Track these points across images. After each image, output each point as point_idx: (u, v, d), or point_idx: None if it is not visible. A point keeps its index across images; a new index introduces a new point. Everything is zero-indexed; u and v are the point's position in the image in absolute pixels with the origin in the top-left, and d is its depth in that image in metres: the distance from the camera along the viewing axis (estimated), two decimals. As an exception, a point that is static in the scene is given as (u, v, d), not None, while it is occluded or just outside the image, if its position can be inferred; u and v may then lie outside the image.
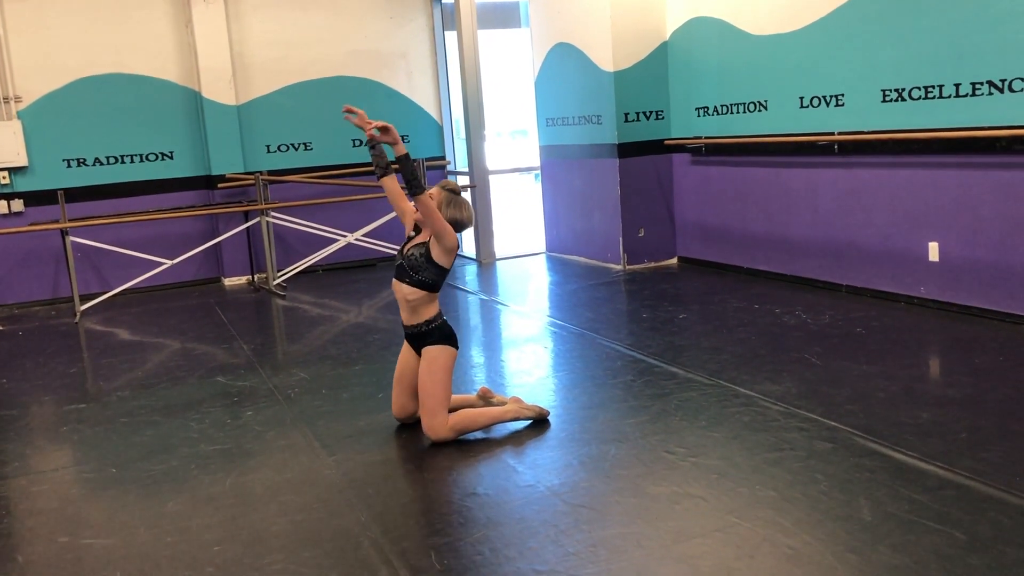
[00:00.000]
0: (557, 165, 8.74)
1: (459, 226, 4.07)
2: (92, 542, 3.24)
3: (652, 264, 8.03)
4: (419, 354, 4.08)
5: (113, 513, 3.51)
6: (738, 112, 7.13)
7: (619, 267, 7.96)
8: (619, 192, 7.84)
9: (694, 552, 2.86)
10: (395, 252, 8.79)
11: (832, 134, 6.28)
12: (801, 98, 6.53)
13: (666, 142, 7.87)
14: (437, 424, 3.92)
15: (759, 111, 6.93)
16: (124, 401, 4.99)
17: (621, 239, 7.92)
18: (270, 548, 3.09)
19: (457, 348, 4.09)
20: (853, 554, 2.76)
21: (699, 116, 7.57)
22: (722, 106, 7.29)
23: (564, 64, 8.29)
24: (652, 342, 5.41)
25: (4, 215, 8.03)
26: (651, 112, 7.84)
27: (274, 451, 4.05)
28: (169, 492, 3.64)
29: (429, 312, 4.05)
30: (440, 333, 4.04)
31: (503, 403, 4.21)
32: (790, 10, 6.51)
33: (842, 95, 6.19)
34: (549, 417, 4.18)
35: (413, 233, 4.13)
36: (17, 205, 8.07)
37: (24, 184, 8.09)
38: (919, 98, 5.63)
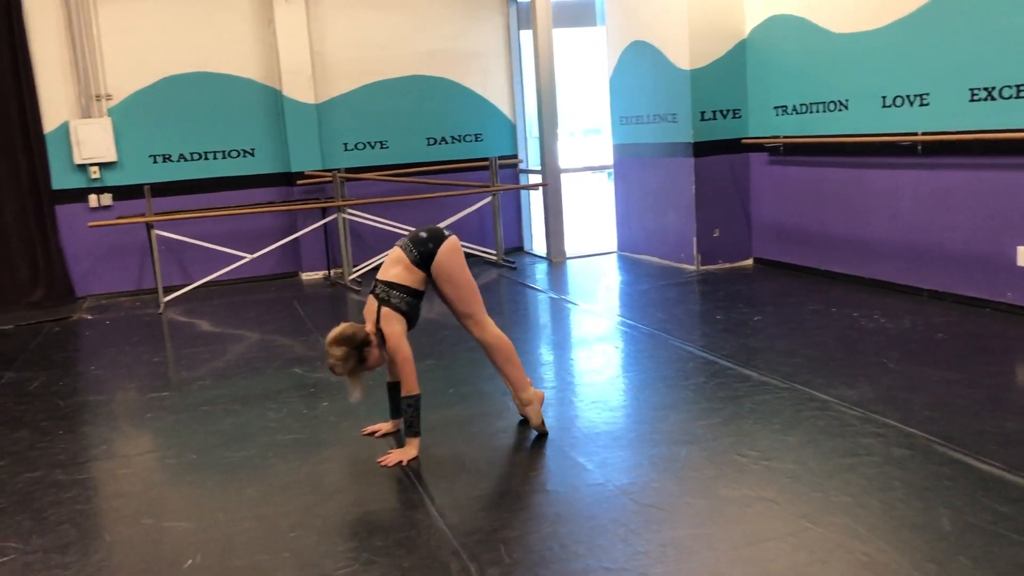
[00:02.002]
0: (630, 164, 8.69)
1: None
2: (173, 524, 3.36)
3: (726, 265, 7.93)
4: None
5: (193, 498, 3.63)
6: (818, 111, 6.99)
7: (692, 267, 7.89)
8: (694, 191, 7.76)
9: (765, 556, 2.82)
10: (467, 248, 8.88)
11: (915, 134, 6.11)
12: (883, 97, 6.37)
13: (743, 141, 7.77)
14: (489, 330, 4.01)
15: (839, 110, 6.78)
16: (205, 390, 5.14)
17: (695, 239, 7.84)
18: (343, 536, 3.16)
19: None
20: (932, 563, 2.69)
21: (777, 115, 7.44)
22: (801, 105, 7.16)
23: (639, 62, 8.24)
24: (725, 344, 5.35)
25: (94, 209, 8.34)
26: (728, 111, 7.74)
27: (348, 442, 4.13)
28: (247, 479, 3.75)
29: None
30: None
31: (532, 400, 4.10)
32: (873, 7, 6.35)
33: (927, 94, 6.02)
34: (545, 435, 4.04)
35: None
36: (106, 199, 8.37)
37: (113, 179, 8.40)
38: (1010, 97, 5.44)
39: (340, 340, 3.77)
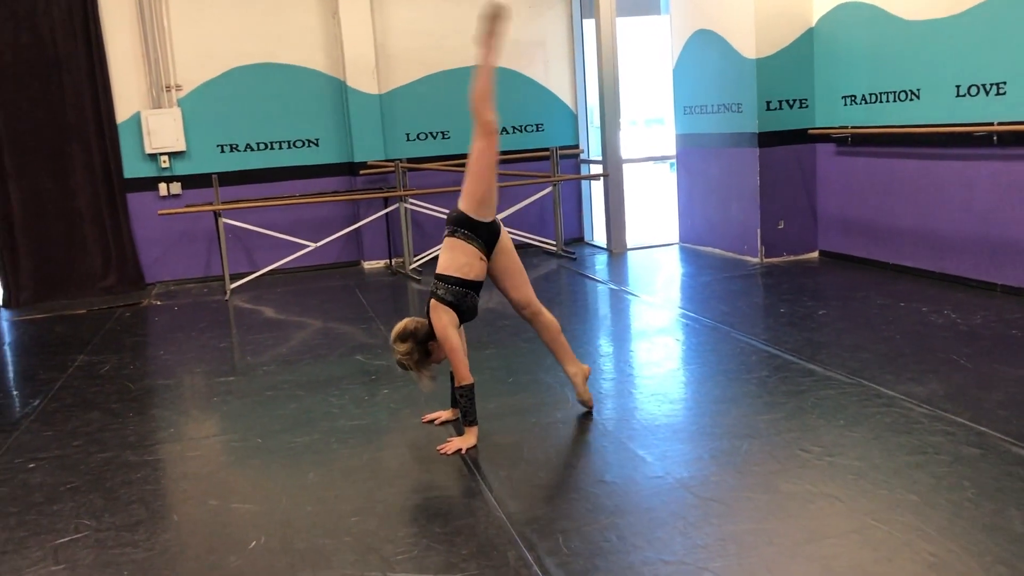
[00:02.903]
0: (694, 154, 8.59)
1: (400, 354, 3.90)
2: (238, 506, 3.43)
3: (791, 257, 7.79)
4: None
5: (258, 481, 3.70)
6: (888, 101, 6.82)
7: (756, 260, 7.77)
8: (758, 182, 7.64)
9: (828, 552, 2.77)
10: (527, 239, 8.89)
11: (991, 124, 5.92)
12: (957, 86, 6.18)
13: (810, 131, 7.61)
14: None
15: (911, 100, 6.60)
16: (269, 375, 5.24)
17: (759, 231, 7.72)
18: (403, 522, 3.19)
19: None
20: (1003, 566, 2.61)
21: (845, 105, 7.28)
22: (871, 94, 6.99)
23: (704, 51, 8.13)
24: (789, 338, 5.26)
25: (164, 197, 8.55)
26: (794, 100, 7.59)
27: (408, 429, 4.17)
28: (310, 464, 3.81)
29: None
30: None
31: (576, 374, 4.17)
32: (949, -7, 6.17)
33: (1004, 83, 5.82)
34: (591, 411, 4.13)
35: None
36: (175, 188, 8.57)
37: (182, 168, 8.59)
38: (1092, 85, 5.24)
39: (403, 336, 3.85)
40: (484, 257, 3.92)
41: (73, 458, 4.03)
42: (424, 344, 3.86)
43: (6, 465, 3.99)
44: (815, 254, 7.86)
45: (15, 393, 5.39)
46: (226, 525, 3.29)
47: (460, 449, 3.78)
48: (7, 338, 7.02)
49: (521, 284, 4.08)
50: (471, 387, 3.82)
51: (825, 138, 7.55)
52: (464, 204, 3.95)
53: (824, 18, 7.41)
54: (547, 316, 4.19)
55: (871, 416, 3.90)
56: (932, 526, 2.88)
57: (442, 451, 3.79)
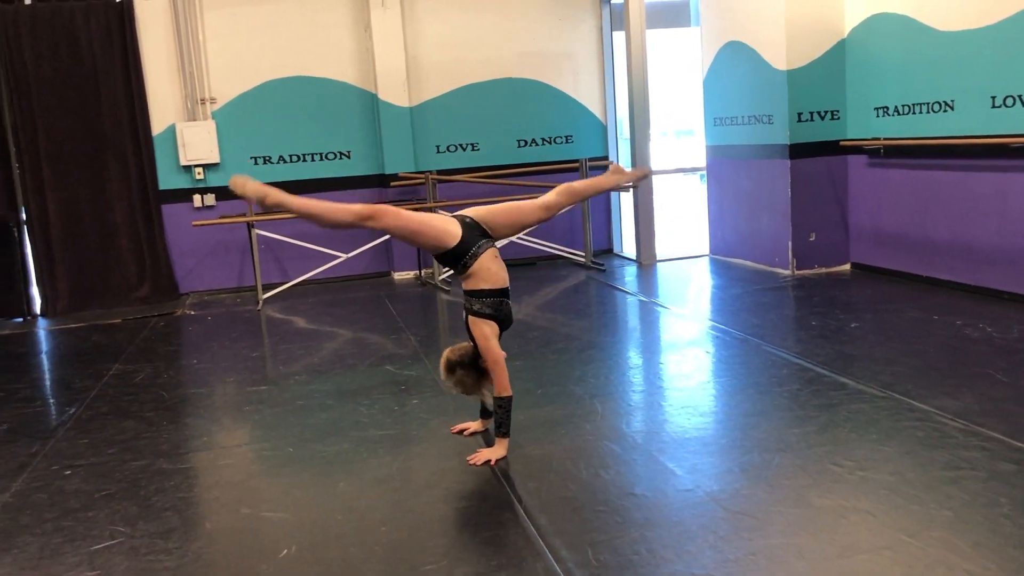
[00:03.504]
0: (724, 165, 8.56)
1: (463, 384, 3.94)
2: (270, 515, 3.47)
3: (823, 270, 7.73)
4: None
5: (289, 489, 3.74)
6: (921, 112, 6.76)
7: (787, 272, 7.72)
8: (789, 194, 7.59)
9: (860, 568, 2.75)
10: (556, 250, 8.90)
11: (1027, 135, 5.85)
12: (993, 98, 6.11)
13: (841, 143, 7.56)
14: (372, 211, 3.70)
15: (944, 111, 6.54)
16: (300, 385, 5.29)
17: (790, 243, 7.67)
18: (433, 532, 3.21)
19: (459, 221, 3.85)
20: (1039, 584, 2.58)
21: (878, 116, 7.22)
22: (903, 106, 6.93)
23: (734, 63, 8.11)
24: (821, 351, 5.22)
25: (198, 208, 8.66)
26: (826, 112, 7.55)
27: (438, 439, 4.19)
28: (340, 473, 3.84)
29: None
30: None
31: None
32: (982, 4, 6.11)
33: (1040, 93, 5.76)
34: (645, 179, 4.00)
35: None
36: (210, 199, 8.69)
37: (216, 180, 8.70)
38: None
39: (449, 367, 3.91)
40: (498, 255, 3.92)
41: (108, 465, 4.09)
42: (474, 365, 3.88)
43: (43, 472, 4.06)
44: (847, 266, 7.79)
45: (52, 401, 5.48)
46: (257, 533, 3.32)
47: (490, 460, 3.79)
48: (44, 347, 7.15)
49: (526, 207, 4.02)
50: (510, 399, 3.83)
51: (857, 150, 7.49)
52: (486, 223, 3.89)
53: (856, 29, 7.37)
54: (561, 188, 4.09)
55: (904, 430, 3.86)
56: (966, 542, 2.84)
57: (472, 461, 3.80)
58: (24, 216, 8.26)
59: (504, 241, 8.63)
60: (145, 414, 4.85)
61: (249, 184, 3.67)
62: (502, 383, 3.81)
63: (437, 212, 8.36)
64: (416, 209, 8.58)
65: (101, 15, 8.19)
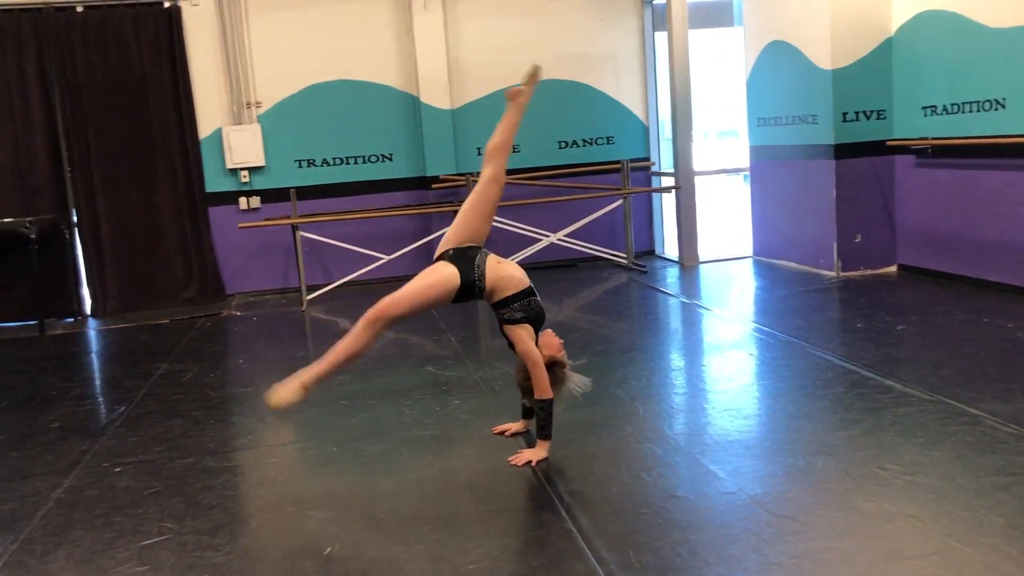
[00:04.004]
0: (768, 166, 8.48)
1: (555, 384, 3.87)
2: (314, 513, 3.51)
3: (869, 271, 7.62)
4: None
5: (333, 488, 3.78)
6: (971, 111, 6.63)
7: (832, 273, 7.62)
8: (834, 195, 7.50)
9: (907, 573, 2.71)
10: (597, 252, 8.88)
11: (1081, 134, 5.71)
12: (1045, 95, 5.98)
13: (888, 143, 7.45)
14: (376, 314, 3.75)
15: (995, 110, 6.41)
16: (343, 385, 5.33)
17: (835, 244, 7.57)
18: (474, 533, 3.22)
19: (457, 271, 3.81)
20: (1093, 593, 2.52)
21: (926, 115, 7.10)
22: (952, 105, 6.81)
23: (778, 62, 8.03)
24: (866, 353, 5.14)
25: (244, 211, 8.79)
26: (872, 111, 7.44)
27: (479, 440, 4.21)
28: (382, 472, 3.87)
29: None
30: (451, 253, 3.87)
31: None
32: (1035, -1, 5.98)
33: (1095, 91, 5.62)
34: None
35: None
36: (255, 202, 8.81)
37: (261, 183, 8.83)
38: None
39: (522, 385, 3.93)
40: (502, 258, 3.94)
41: (156, 463, 4.17)
42: (551, 368, 3.85)
43: (94, 468, 4.15)
44: (893, 268, 7.67)
45: (102, 400, 5.60)
46: (302, 531, 3.36)
47: (531, 461, 3.79)
48: (94, 346, 7.31)
49: (478, 194, 4.08)
50: (551, 401, 3.82)
51: (904, 150, 7.37)
52: (466, 238, 3.92)
53: (904, 27, 7.26)
54: (487, 153, 4.26)
55: (953, 435, 3.79)
56: (1019, 549, 2.79)
57: (513, 462, 3.81)
58: (75, 219, 8.44)
59: (546, 242, 8.61)
60: (192, 413, 4.94)
61: (282, 392, 3.73)
62: (544, 386, 3.80)
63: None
64: (457, 212, 8.65)
65: (150, 21, 8.35)
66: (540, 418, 3.85)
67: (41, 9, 8.11)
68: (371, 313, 3.76)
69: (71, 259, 8.39)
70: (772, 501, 3.29)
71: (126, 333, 7.50)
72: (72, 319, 8.27)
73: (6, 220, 7.85)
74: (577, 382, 3.91)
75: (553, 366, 3.87)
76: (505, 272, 3.88)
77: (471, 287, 3.79)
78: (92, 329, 7.88)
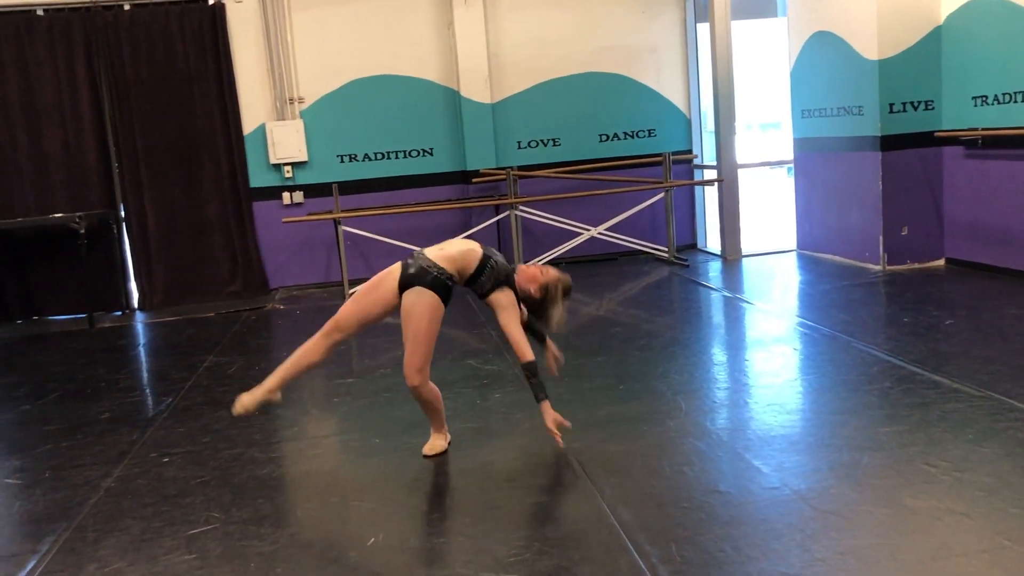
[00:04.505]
0: (812, 158, 8.37)
1: (547, 322, 3.91)
2: (358, 504, 3.55)
3: (916, 265, 7.49)
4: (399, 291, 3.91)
5: (376, 479, 3.81)
6: (1023, 101, 6.48)
7: (878, 267, 7.50)
8: (880, 187, 7.38)
9: (956, 571, 2.67)
10: (638, 246, 8.84)
11: None
12: (1101, 83, 5.83)
13: (936, 134, 7.31)
14: (414, 373, 3.84)
15: (1048, 99, 6.26)
16: (386, 378, 5.38)
17: (881, 237, 7.45)
18: (515, 525, 3.23)
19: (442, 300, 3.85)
20: None
21: (976, 106, 6.96)
22: (1004, 95, 6.66)
23: (823, 53, 7.92)
24: (913, 348, 5.06)
25: (287, 206, 8.88)
26: (919, 102, 7.30)
27: (520, 433, 4.22)
28: (425, 464, 3.90)
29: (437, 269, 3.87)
30: (428, 280, 3.85)
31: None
32: (1091, -15, 5.83)
33: None
34: (444, 449, 3.97)
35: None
36: (298, 196, 8.90)
37: (304, 177, 8.91)
38: None
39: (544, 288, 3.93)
40: (439, 247, 4.02)
41: (203, 454, 4.24)
42: (544, 290, 3.87)
43: (143, 459, 4.23)
44: (941, 262, 7.53)
45: (149, 391, 5.71)
46: (346, 521, 3.40)
47: (554, 432, 3.69)
48: (142, 339, 7.44)
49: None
50: (532, 363, 3.74)
51: (953, 141, 7.23)
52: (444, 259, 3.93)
53: (953, 15, 7.11)
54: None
55: (1003, 431, 3.72)
56: (1071, 548, 2.73)
57: (553, 435, 3.73)
58: (123, 214, 8.60)
59: (587, 235, 8.57)
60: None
61: (244, 399, 3.81)
62: (520, 351, 3.74)
63: (518, 208, 8.39)
64: (498, 206, 8.67)
65: (195, 19, 8.47)
66: (531, 385, 3.77)
67: (89, 8, 8.26)
68: (328, 326, 3.91)
69: (119, 254, 8.55)
70: (816, 497, 3.25)
71: (172, 326, 7.63)
72: (120, 312, 8.43)
73: (56, 215, 8.03)
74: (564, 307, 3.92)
75: (545, 290, 3.86)
76: (453, 250, 3.90)
77: (442, 286, 3.81)
78: (139, 322, 8.02)
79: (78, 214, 7.89)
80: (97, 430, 4.73)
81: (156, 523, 3.48)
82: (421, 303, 3.80)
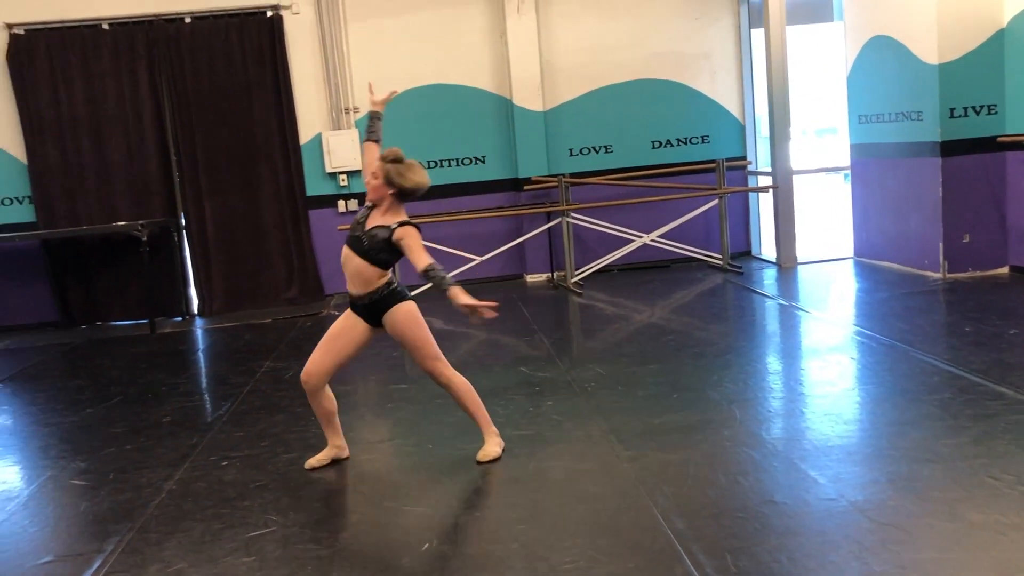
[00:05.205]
0: (869, 164, 8.24)
1: (416, 193, 4.00)
2: (411, 509, 3.58)
3: (978, 273, 7.32)
4: (373, 324, 4.02)
5: (429, 485, 3.85)
6: (1090, 104, 6.31)
7: (938, 275, 7.35)
8: (941, 193, 7.23)
9: (1021, 588, 2.60)
10: (691, 253, 8.78)
11: None
12: None
13: (999, 139, 7.14)
14: (439, 366, 4.02)
15: (1117, 102, 6.08)
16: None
17: (941, 245, 7.30)
18: (569, 533, 3.23)
19: (412, 299, 4.02)
20: None
21: (1040, 109, 6.79)
22: (1070, 98, 6.49)
23: (881, 58, 7.80)
24: (975, 358, 4.94)
25: (342, 213, 9.01)
26: (981, 107, 7.14)
27: (572, 441, 4.22)
28: (477, 470, 3.92)
29: (379, 282, 3.97)
30: (392, 298, 3.96)
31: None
32: None
33: None
34: (499, 455, 3.98)
35: (371, 204, 4.07)
36: (353, 204, 9.01)
37: (359, 186, 9.01)
38: None
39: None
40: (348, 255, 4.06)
41: (261, 457, 4.32)
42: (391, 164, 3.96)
43: (203, 462, 4.33)
44: (1004, 269, 7.35)
45: (208, 396, 5.83)
46: (400, 526, 3.44)
47: (469, 305, 3.73)
48: (201, 344, 7.60)
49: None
50: (430, 266, 3.84)
51: (1017, 145, 7.06)
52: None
53: (1017, 17, 6.95)
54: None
55: (1071, 444, 3.62)
56: None
57: (478, 314, 3.78)
58: (183, 222, 8.80)
59: (639, 242, 8.54)
60: (295, 409, 5.09)
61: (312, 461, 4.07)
62: (416, 259, 3.88)
63: (569, 215, 8.39)
64: (549, 213, 8.68)
65: (253, 30, 8.64)
66: (435, 282, 3.83)
67: (152, 21, 8.48)
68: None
69: (179, 261, 8.75)
70: (874, 508, 3.20)
71: (231, 332, 7.78)
72: (180, 318, 8.62)
73: (120, 223, 8.25)
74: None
75: (388, 178, 3.97)
76: (353, 261, 4.00)
77: (396, 294, 3.98)
78: (199, 328, 8.20)
79: (140, 222, 8.09)
80: (159, 433, 4.85)
81: (216, 525, 3.55)
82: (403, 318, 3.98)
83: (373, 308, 3.98)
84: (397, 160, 4.00)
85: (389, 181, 3.98)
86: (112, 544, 3.45)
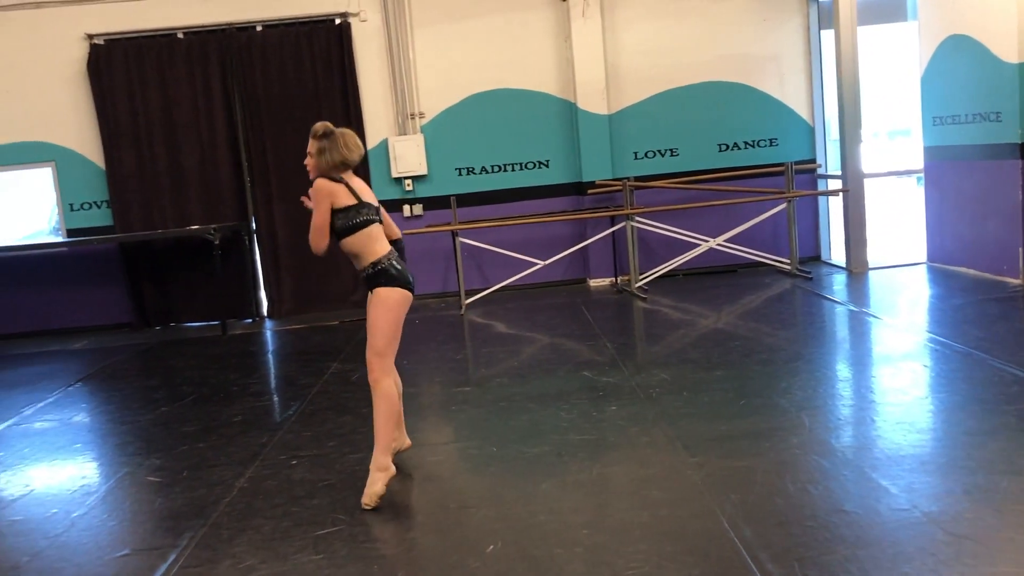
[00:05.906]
0: (944, 167, 8.01)
1: (347, 164, 3.96)
2: (476, 511, 3.60)
3: (1058, 279, 7.07)
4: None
5: (493, 487, 3.86)
6: None
7: (1017, 281, 7.11)
8: (1021, 197, 7.00)
9: (1107, 606, 2.51)
10: (759, 257, 8.65)
11: None
12: None
13: (1082, 140, 6.90)
14: (377, 361, 3.88)
15: None
16: (502, 387, 5.45)
17: (1021, 250, 7.06)
18: (634, 538, 3.22)
19: (403, 290, 3.93)
20: None
21: None
22: None
23: (957, 57, 7.59)
24: (1056, 366, 4.78)
25: (407, 218, 9.11)
26: (1063, 107, 6.90)
27: (637, 446, 4.19)
28: (542, 474, 3.93)
29: (365, 262, 3.92)
30: (377, 278, 3.91)
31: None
32: None
33: None
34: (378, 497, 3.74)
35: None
36: (418, 209, 9.11)
37: (423, 190, 9.12)
38: None
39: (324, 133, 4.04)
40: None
41: (329, 457, 4.39)
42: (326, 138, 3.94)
43: (272, 461, 4.42)
44: (1089, 275, 7.08)
45: (278, 396, 5.94)
46: (465, 528, 3.46)
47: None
48: (271, 346, 7.76)
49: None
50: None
51: (1102, 147, 6.80)
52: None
53: (1101, 14, 6.70)
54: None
55: None
56: None
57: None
58: (254, 226, 8.99)
59: (705, 247, 8.45)
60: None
61: (369, 491, 3.80)
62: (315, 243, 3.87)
63: (634, 219, 8.34)
64: (613, 217, 8.64)
65: (322, 37, 8.80)
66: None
67: (225, 29, 8.70)
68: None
69: (250, 264, 8.94)
70: (950, 520, 3.11)
71: (299, 334, 7.92)
72: (251, 320, 8.81)
73: (193, 227, 8.48)
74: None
75: (319, 150, 3.96)
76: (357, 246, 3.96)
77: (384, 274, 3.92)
78: (268, 329, 8.37)
79: (213, 226, 8.30)
80: (230, 432, 4.97)
81: (285, 523, 3.62)
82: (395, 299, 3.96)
83: (368, 287, 3.99)
84: (326, 135, 4.00)
85: (319, 150, 4.01)
86: (185, 539, 3.55)
